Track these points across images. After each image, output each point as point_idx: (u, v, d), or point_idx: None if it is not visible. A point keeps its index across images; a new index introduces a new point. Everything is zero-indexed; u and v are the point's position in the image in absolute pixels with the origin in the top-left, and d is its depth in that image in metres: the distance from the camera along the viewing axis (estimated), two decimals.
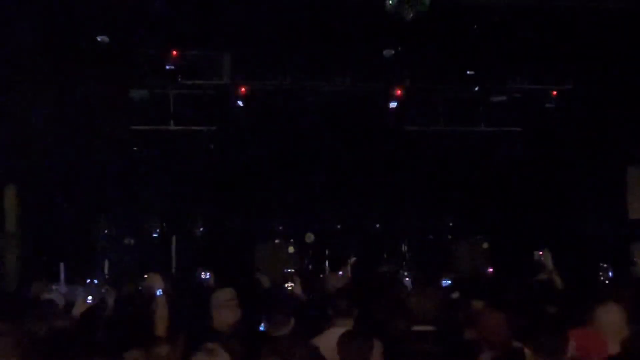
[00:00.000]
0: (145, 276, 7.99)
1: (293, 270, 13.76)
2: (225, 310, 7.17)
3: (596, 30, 13.94)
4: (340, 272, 11.65)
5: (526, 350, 5.23)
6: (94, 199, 15.98)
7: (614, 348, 5.78)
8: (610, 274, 11.62)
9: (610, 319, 5.87)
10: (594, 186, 16.31)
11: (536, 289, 8.28)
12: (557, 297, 7.64)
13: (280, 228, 17.88)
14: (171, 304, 7.05)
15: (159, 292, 7.03)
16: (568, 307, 6.82)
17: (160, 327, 6.85)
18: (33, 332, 5.98)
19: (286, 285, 9.44)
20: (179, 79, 16.23)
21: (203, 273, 10.36)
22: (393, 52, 15.34)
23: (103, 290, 8.12)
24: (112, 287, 8.85)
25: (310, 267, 17.14)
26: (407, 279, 12.65)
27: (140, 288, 9.06)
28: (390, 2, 11.40)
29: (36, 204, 14.40)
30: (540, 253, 8.80)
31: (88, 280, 10.20)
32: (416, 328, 6.40)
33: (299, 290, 8.83)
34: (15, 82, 13.76)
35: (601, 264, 11.95)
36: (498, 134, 18.10)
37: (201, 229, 18.08)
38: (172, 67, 15.78)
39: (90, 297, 7.64)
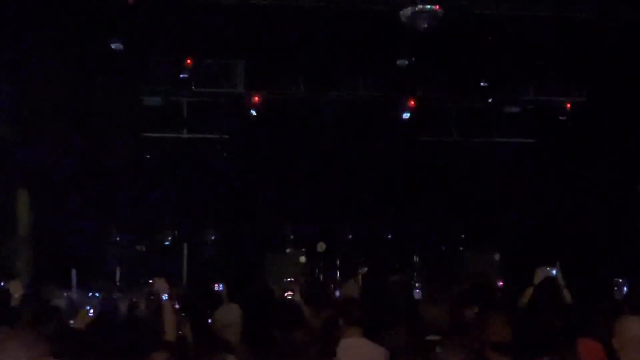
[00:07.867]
0: (150, 281, 7.99)
1: (293, 279, 13.72)
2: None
3: (610, 43, 13.92)
4: (352, 282, 11.65)
5: None
6: (106, 206, 16.01)
7: None
8: (625, 288, 11.53)
9: (632, 331, 5.82)
10: (607, 199, 16.22)
11: (545, 303, 8.21)
12: (565, 311, 7.58)
13: (292, 237, 17.84)
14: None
15: (164, 296, 7.03)
16: (575, 321, 6.77)
17: (170, 332, 6.84)
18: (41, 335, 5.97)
19: (286, 294, 9.47)
20: (193, 87, 16.29)
21: (216, 285, 10.35)
22: (407, 62, 15.33)
23: (115, 297, 8.13)
24: (124, 294, 8.86)
25: (321, 276, 17.08)
26: (417, 290, 12.62)
27: (152, 297, 9.07)
28: (405, 13, 11.43)
29: (48, 210, 14.43)
30: (548, 268, 8.71)
31: (90, 294, 10.16)
32: (429, 338, 6.37)
33: (298, 298, 8.84)
34: (30, 88, 13.83)
35: (616, 279, 11.86)
36: (511, 146, 18.07)
37: (213, 238, 18.06)
38: (186, 75, 15.84)
39: (92, 310, 7.61)
